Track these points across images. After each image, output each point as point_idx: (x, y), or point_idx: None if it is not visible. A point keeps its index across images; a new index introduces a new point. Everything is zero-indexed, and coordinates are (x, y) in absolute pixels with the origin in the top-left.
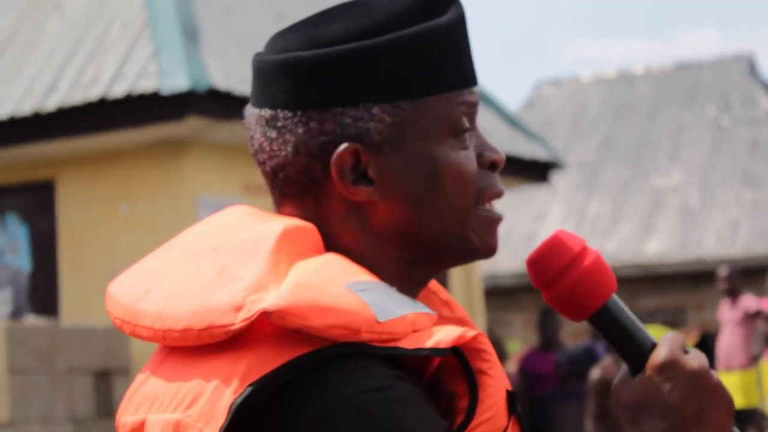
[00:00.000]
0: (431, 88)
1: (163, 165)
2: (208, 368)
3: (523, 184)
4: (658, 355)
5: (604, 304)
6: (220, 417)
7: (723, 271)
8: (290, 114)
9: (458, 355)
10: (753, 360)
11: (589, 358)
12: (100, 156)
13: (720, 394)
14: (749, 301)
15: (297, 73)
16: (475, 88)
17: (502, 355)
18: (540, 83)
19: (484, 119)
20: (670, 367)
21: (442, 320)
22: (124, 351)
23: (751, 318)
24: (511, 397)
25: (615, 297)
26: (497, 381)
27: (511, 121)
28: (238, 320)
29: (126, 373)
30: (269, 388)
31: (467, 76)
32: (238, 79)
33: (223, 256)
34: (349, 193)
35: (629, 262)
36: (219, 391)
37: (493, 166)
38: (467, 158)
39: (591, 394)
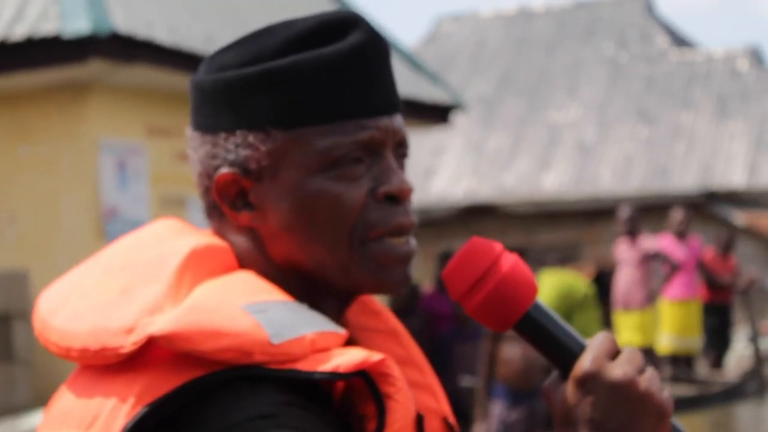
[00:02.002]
0: (308, 119)
1: (64, 107)
2: (108, 388)
3: (424, 125)
4: (580, 367)
5: (526, 312)
6: None
7: (624, 213)
8: (197, 135)
9: (366, 379)
10: (650, 299)
11: None
12: None
13: (648, 403)
14: (648, 242)
15: (198, 96)
16: (385, 118)
17: (415, 297)
18: (440, 19)
19: None
20: (591, 379)
21: (371, 333)
22: (23, 295)
23: (650, 258)
24: (419, 421)
25: (538, 302)
26: (404, 405)
27: (412, 62)
28: (128, 343)
29: (25, 317)
30: (162, 411)
31: (367, 106)
32: (141, 23)
33: (129, 274)
34: (232, 217)
35: (526, 198)
36: (114, 412)
37: (391, 198)
38: (348, 190)
39: (485, 340)
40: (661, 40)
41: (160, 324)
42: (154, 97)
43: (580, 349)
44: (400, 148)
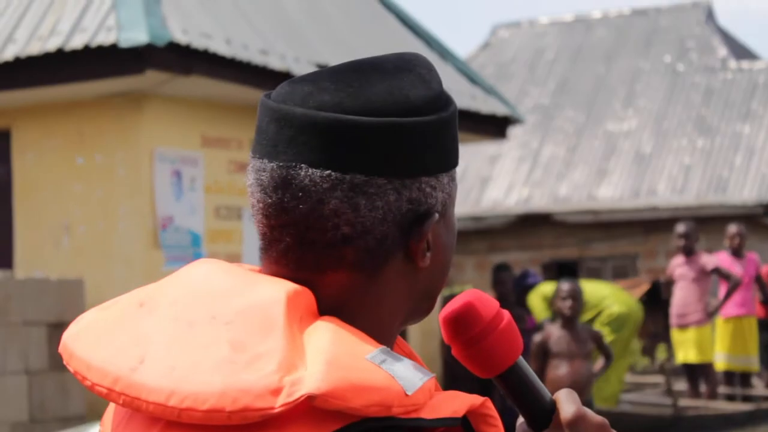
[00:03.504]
0: (457, 160)
1: (121, 117)
2: None
3: (481, 138)
4: (568, 412)
5: (511, 365)
6: None
7: (680, 228)
8: (385, 181)
9: (464, 422)
10: (709, 317)
11: (522, 280)
12: (56, 107)
13: None
14: (706, 258)
15: (397, 138)
16: None
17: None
18: (497, 26)
19: (443, 74)
20: (581, 421)
21: None
22: (78, 303)
23: (708, 274)
24: None
25: (521, 359)
26: None
27: (470, 76)
28: (279, 404)
29: None
30: None
31: None
32: (197, 33)
33: (228, 327)
34: (422, 262)
35: (582, 207)
36: None
37: None
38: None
39: (532, 357)
40: (721, 50)
41: (314, 383)
42: (209, 107)
43: (550, 400)
44: None
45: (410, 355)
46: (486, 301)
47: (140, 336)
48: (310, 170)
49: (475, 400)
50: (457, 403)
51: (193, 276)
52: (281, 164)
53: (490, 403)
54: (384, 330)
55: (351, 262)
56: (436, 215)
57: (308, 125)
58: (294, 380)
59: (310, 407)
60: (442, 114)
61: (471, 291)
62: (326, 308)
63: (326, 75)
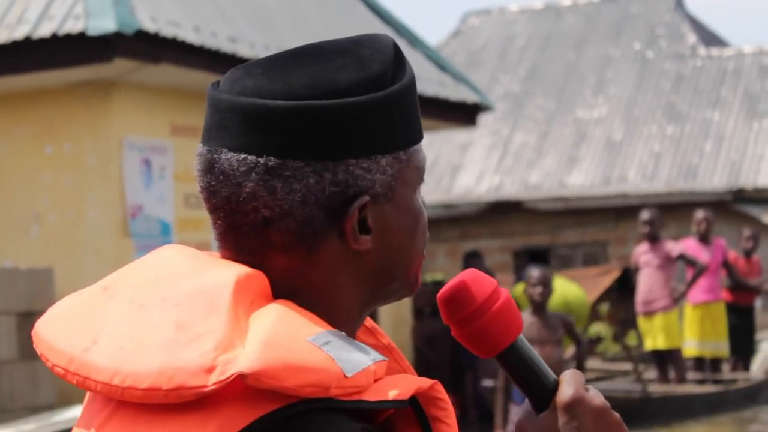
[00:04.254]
0: (415, 139)
1: (89, 106)
2: (173, 428)
3: (451, 126)
4: (565, 394)
5: (510, 344)
6: None
7: (645, 215)
8: (302, 164)
9: (414, 405)
10: (675, 302)
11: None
12: (24, 95)
13: (622, 429)
14: (671, 245)
15: (314, 121)
16: None
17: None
18: (468, 14)
19: (413, 61)
20: (578, 405)
21: (374, 348)
22: (48, 292)
23: (673, 261)
24: None
25: (521, 336)
26: (452, 428)
27: (439, 63)
28: (211, 382)
29: None
30: None
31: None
32: (166, 21)
33: (176, 308)
34: (355, 243)
35: (552, 194)
36: None
37: None
38: (422, 205)
39: None
40: (690, 37)
41: (246, 362)
42: (178, 95)
43: (554, 381)
44: None
45: (384, 348)
46: (481, 280)
47: (98, 319)
48: (229, 154)
49: (422, 382)
50: (402, 385)
51: (155, 260)
52: (209, 148)
53: (439, 386)
54: (342, 312)
55: (279, 245)
56: (366, 197)
57: (229, 110)
58: (228, 359)
59: (246, 387)
60: (376, 95)
61: (468, 271)
62: (279, 292)
63: (263, 61)
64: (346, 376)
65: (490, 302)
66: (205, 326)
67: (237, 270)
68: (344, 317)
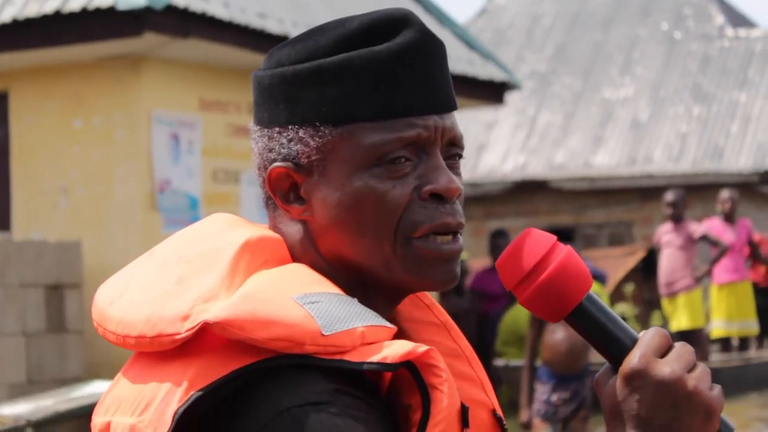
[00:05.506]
0: (356, 116)
1: (119, 80)
2: (161, 374)
3: (478, 104)
4: (628, 363)
5: (580, 303)
6: (167, 424)
7: (669, 196)
8: (257, 128)
9: (411, 370)
10: (697, 281)
11: None
12: (54, 69)
13: (695, 401)
14: (694, 226)
15: (257, 91)
16: (434, 117)
17: (462, 274)
18: None
19: (442, 39)
20: (638, 376)
21: (422, 325)
22: (76, 265)
23: (695, 241)
24: (464, 412)
25: (592, 294)
26: (449, 396)
27: (468, 41)
28: (184, 330)
29: (77, 287)
30: (214, 396)
31: (415, 104)
32: None
33: (185, 265)
34: (284, 209)
35: (578, 174)
36: (168, 397)
37: (437, 197)
38: (393, 188)
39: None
40: (718, 18)
41: (215, 311)
42: (207, 70)
43: (632, 342)
44: (453, 148)
45: (437, 324)
46: (541, 235)
47: (132, 278)
48: (251, 124)
49: (414, 348)
50: (390, 350)
51: (198, 225)
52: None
53: (435, 353)
54: (339, 282)
55: (265, 205)
56: (277, 164)
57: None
58: (203, 309)
59: (227, 340)
60: (297, 68)
61: (525, 230)
62: (294, 257)
63: (290, 39)
64: (323, 334)
65: (551, 255)
66: (198, 280)
67: (252, 232)
68: (342, 286)
